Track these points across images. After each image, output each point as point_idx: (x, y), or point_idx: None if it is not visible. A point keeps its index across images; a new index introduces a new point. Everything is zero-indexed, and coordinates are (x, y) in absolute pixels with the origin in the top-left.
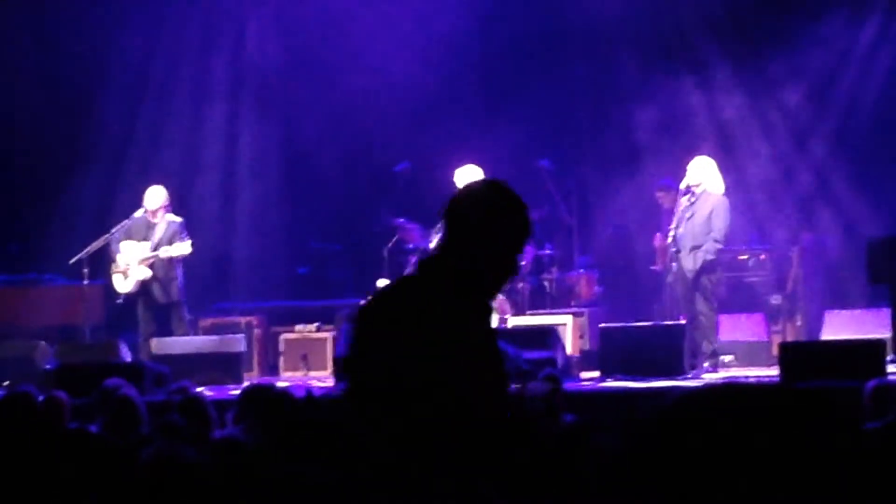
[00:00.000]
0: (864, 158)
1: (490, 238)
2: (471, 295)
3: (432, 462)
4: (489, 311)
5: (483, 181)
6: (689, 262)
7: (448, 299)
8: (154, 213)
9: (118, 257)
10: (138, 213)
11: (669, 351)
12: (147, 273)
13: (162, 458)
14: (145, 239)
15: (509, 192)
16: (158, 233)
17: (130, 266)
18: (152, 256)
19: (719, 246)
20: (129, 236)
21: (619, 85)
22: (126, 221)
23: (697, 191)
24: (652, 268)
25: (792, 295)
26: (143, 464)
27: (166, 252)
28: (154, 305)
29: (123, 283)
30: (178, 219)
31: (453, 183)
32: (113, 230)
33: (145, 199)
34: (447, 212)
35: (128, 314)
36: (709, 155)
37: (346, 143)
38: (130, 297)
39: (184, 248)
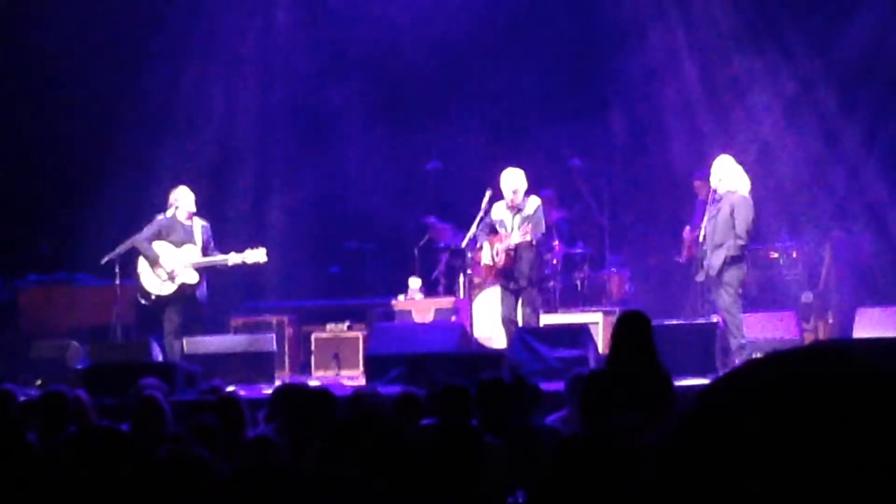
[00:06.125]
0: None
1: None
2: None
3: None
4: None
5: None
6: (714, 260)
7: None
8: (191, 215)
9: (162, 260)
10: (169, 214)
11: (701, 349)
12: (195, 277)
13: (176, 457)
14: (185, 242)
15: None
16: (198, 236)
17: (176, 269)
18: (222, 260)
19: (741, 242)
20: (160, 238)
21: (651, 83)
22: (155, 223)
23: (721, 190)
24: (676, 258)
25: (824, 293)
26: (158, 462)
27: (239, 258)
28: (186, 308)
29: (163, 286)
30: (205, 222)
31: (492, 183)
32: (144, 230)
33: (183, 200)
34: None
35: (157, 314)
36: (742, 152)
37: (378, 142)
38: (161, 300)
39: (259, 255)
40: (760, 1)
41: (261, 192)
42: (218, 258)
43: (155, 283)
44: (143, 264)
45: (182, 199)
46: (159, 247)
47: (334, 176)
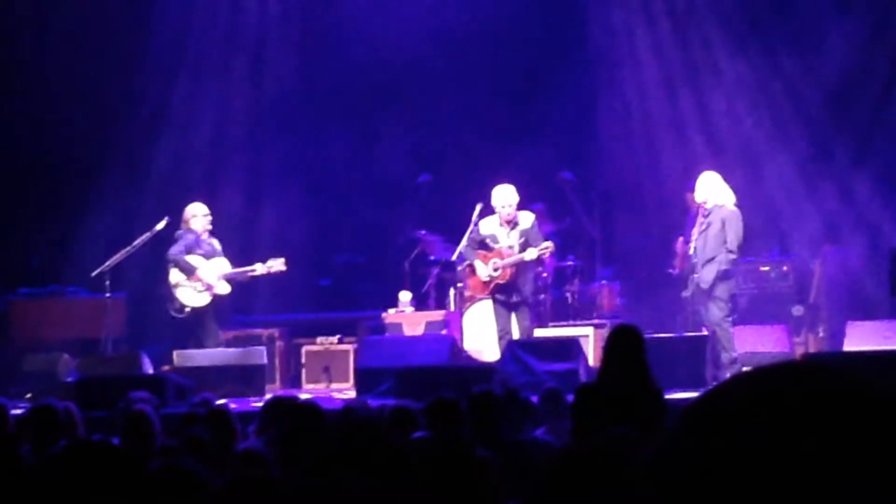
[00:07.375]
0: (889, 168)
1: None
2: None
3: None
4: None
5: None
6: (705, 274)
7: None
8: (207, 232)
9: (200, 272)
10: (160, 226)
11: (692, 362)
12: (228, 288)
13: (168, 470)
14: (212, 255)
15: None
16: (219, 249)
17: (212, 281)
18: (249, 270)
19: (733, 256)
20: (190, 251)
21: (641, 95)
22: (182, 239)
23: (708, 206)
24: (669, 270)
25: (814, 306)
26: (149, 475)
27: (264, 267)
28: (219, 318)
29: (199, 297)
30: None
31: (482, 197)
32: (135, 242)
33: (201, 216)
34: None
35: (151, 326)
36: (730, 165)
37: (368, 155)
38: (197, 311)
39: (280, 265)
40: (751, 11)
41: (251, 204)
42: (245, 269)
43: (192, 295)
44: (177, 277)
45: (200, 216)
46: (193, 260)
47: (324, 188)
